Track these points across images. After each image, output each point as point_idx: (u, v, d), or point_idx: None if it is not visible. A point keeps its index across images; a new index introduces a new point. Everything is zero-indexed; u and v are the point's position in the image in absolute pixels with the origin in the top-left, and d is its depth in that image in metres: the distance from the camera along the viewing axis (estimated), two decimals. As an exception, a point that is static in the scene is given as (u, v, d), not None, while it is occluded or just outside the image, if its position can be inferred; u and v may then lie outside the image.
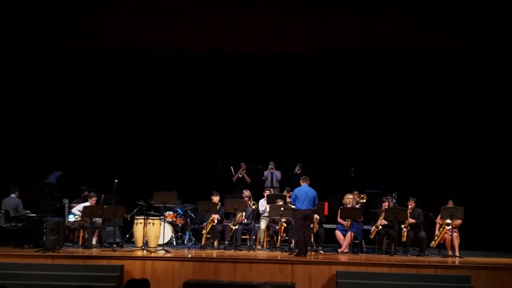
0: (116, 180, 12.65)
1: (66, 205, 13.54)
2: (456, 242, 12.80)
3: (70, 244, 13.47)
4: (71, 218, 13.52)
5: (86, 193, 13.93)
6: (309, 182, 12.65)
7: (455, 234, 12.83)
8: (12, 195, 13.33)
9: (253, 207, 13.98)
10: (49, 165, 14.55)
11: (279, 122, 16.29)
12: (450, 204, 13.19)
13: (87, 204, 13.31)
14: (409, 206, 13.18)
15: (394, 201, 14.09)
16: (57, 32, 14.03)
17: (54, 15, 13.67)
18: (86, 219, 13.12)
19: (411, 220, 13.01)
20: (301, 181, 12.74)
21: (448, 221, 12.75)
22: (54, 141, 15.71)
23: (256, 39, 14.36)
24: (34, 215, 13.15)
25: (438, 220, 13.18)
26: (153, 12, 13.69)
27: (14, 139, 15.39)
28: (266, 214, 13.76)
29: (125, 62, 15.61)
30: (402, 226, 12.99)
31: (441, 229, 12.98)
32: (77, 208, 13.39)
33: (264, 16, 13.71)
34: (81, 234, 13.62)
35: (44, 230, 12.30)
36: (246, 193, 14.21)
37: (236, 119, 16.32)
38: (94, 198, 13.42)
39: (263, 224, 13.98)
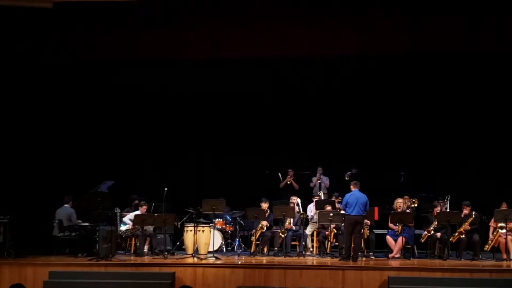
0: (166, 188, 12.82)
1: (118, 214, 13.76)
2: (511, 246, 12.52)
3: (123, 252, 13.68)
4: (123, 227, 13.73)
5: (136, 201, 14.15)
6: (359, 187, 12.54)
7: (509, 237, 12.55)
8: (66, 205, 13.57)
9: (302, 216, 13.92)
10: (100, 174, 14.75)
11: (328, 127, 16.15)
12: (504, 206, 12.91)
13: (138, 212, 13.52)
14: (464, 212, 12.94)
15: (447, 205, 13.82)
16: (115, 42, 14.23)
17: (117, 27, 13.96)
18: (138, 227, 13.31)
19: (467, 227, 12.77)
20: (351, 187, 12.63)
21: (502, 224, 12.51)
22: (105, 151, 15.91)
23: (301, 48, 14.27)
24: (87, 224, 13.39)
25: (492, 223, 12.92)
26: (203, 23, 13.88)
27: (67, 150, 15.67)
28: (315, 220, 13.69)
29: (175, 71, 15.73)
30: (456, 233, 12.75)
31: (495, 233, 12.73)
32: (128, 217, 13.59)
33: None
34: (133, 242, 13.81)
35: (97, 239, 12.54)
36: (294, 199, 14.17)
37: (285, 126, 16.25)
38: (145, 207, 13.61)
39: (310, 229, 13.91)
